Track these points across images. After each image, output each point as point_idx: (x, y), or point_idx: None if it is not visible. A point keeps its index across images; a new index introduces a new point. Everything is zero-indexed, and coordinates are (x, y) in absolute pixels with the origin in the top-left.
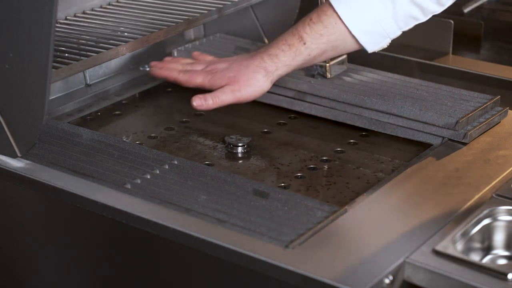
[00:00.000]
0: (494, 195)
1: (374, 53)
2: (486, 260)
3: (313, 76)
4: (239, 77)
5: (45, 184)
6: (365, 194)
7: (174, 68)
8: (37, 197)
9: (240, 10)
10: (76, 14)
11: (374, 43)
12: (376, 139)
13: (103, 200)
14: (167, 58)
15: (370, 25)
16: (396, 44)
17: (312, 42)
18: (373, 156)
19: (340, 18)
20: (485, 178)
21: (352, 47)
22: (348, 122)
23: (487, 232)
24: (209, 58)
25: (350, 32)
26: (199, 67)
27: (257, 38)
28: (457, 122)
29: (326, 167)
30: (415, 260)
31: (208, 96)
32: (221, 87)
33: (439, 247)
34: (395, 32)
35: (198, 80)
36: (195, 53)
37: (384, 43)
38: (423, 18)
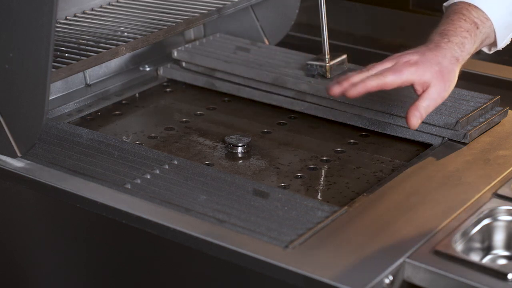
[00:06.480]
0: (494, 195)
1: (374, 53)
2: (486, 260)
3: (313, 76)
4: (442, 70)
5: (45, 184)
6: (365, 194)
7: (364, 78)
8: (37, 197)
9: (240, 10)
10: (76, 14)
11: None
12: (376, 139)
13: (103, 200)
14: (342, 78)
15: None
16: (396, 44)
17: (483, 26)
18: (373, 156)
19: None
20: (485, 178)
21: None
22: (348, 122)
23: (487, 232)
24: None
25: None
26: (388, 65)
27: (257, 38)
28: (457, 122)
29: (326, 167)
30: (415, 260)
31: (417, 111)
32: (427, 82)
33: (439, 247)
34: None
35: (406, 74)
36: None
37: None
38: None
